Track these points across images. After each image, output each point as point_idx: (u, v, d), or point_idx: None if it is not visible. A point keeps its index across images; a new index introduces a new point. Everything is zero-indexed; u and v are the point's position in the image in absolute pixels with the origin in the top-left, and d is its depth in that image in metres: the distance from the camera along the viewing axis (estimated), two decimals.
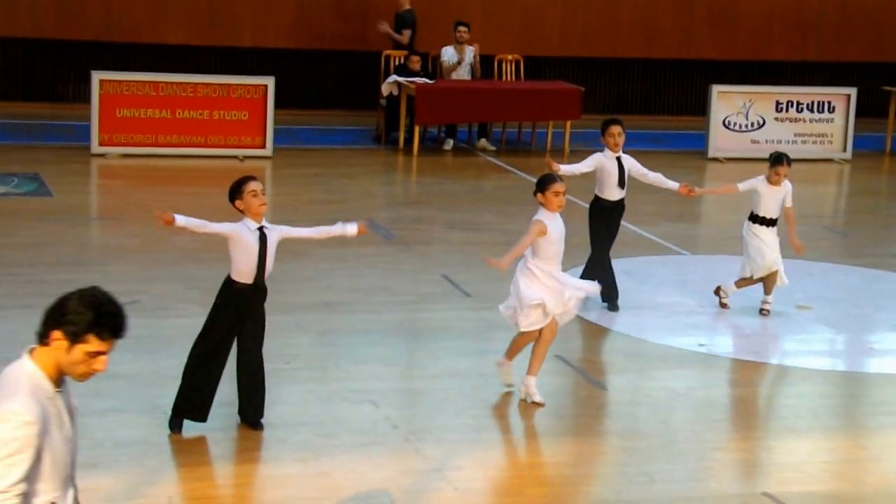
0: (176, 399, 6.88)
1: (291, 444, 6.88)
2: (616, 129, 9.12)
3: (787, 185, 9.36)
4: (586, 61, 17.89)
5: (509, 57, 16.65)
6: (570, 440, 7.21)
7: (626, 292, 9.67)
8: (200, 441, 6.80)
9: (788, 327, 9.42)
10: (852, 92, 16.17)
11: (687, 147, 16.52)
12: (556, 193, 7.36)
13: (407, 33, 15.70)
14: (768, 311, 9.45)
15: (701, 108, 16.70)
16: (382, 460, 6.75)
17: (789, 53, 18.65)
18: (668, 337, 9.00)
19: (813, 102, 16.12)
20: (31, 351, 3.71)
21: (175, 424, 6.85)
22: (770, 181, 9.32)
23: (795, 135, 16.14)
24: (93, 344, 3.66)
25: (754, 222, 9.40)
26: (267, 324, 8.69)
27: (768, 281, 9.42)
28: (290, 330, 8.71)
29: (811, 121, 16.15)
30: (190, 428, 6.94)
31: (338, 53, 17.08)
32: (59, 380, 3.71)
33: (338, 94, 17.15)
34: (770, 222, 9.36)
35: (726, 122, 15.94)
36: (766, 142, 16.04)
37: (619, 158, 9.12)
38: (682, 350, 8.77)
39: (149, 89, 13.95)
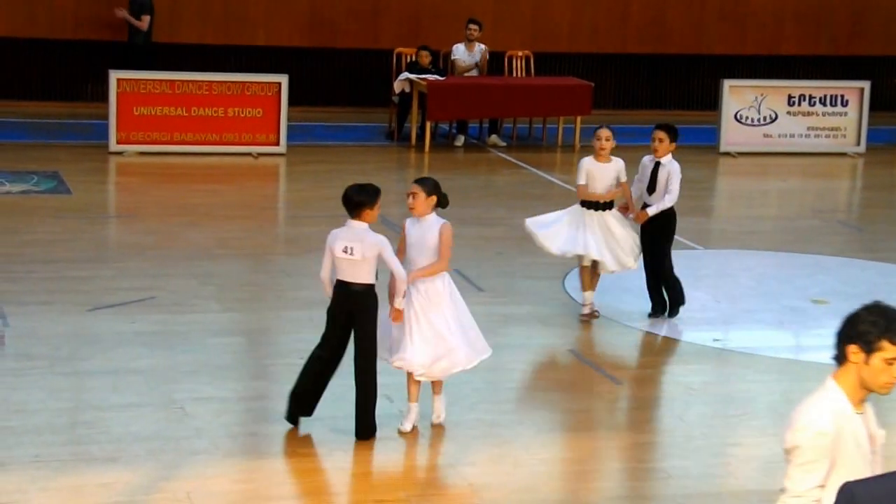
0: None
1: (306, 439, 6.85)
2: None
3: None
4: (596, 57, 17.82)
5: (519, 53, 16.60)
6: (584, 435, 7.16)
7: (641, 286, 9.61)
8: (217, 436, 6.77)
9: (804, 322, 9.34)
10: (866, 85, 16.06)
11: (699, 142, 16.43)
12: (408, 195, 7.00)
13: (146, 18, 15.04)
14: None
15: (712, 102, 16.62)
16: (397, 455, 6.71)
17: (801, 48, 18.55)
18: (683, 331, 8.94)
19: (826, 96, 16.03)
20: (834, 374, 3.89)
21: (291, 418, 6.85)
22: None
23: (808, 129, 16.05)
24: (888, 350, 3.76)
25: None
26: (282, 319, 8.71)
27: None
28: (305, 325, 8.67)
29: (824, 114, 16.06)
30: (206, 424, 6.92)
31: (350, 51, 17.05)
32: (861, 401, 3.87)
33: (350, 92, 17.11)
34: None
35: (738, 117, 15.86)
36: (779, 136, 15.95)
37: (658, 163, 8.78)
38: (697, 345, 8.72)
39: (165, 87, 13.94)
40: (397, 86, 15.42)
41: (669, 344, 8.72)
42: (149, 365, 7.74)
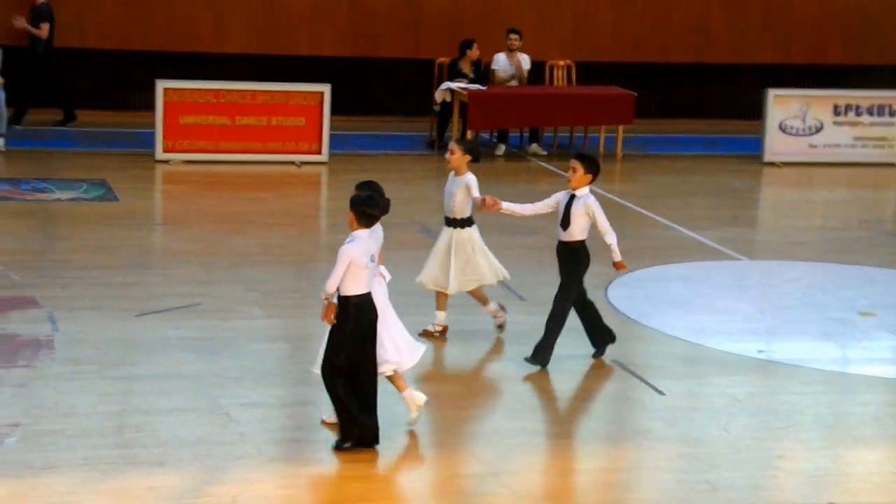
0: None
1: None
2: (571, 162, 8.11)
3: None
4: (638, 66, 17.83)
5: (560, 62, 16.64)
6: (627, 445, 7.18)
7: (683, 297, 9.64)
8: (261, 442, 6.86)
9: (851, 334, 9.31)
10: None
11: (742, 151, 16.42)
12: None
13: (45, 27, 14.96)
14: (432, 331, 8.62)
15: (756, 112, 16.59)
16: (437, 462, 6.77)
17: (848, 56, 18.47)
18: (727, 342, 8.94)
19: (873, 106, 15.96)
20: None
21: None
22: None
23: (855, 139, 15.98)
24: None
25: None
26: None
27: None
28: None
29: (871, 124, 15.98)
30: (251, 429, 7.01)
31: (392, 61, 17.17)
32: None
33: (392, 101, 17.23)
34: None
35: (783, 126, 15.82)
36: (825, 146, 15.89)
37: (572, 196, 8.03)
38: (741, 356, 8.71)
39: (210, 97, 14.15)
40: (438, 95, 15.52)
41: (713, 355, 8.72)
42: (194, 370, 7.85)
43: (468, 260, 8.49)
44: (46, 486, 6.17)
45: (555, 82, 16.55)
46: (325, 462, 6.74)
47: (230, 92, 14.24)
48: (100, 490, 6.17)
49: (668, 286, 10.27)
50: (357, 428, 6.73)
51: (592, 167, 7.99)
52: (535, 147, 15.84)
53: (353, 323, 6.62)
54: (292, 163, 14.28)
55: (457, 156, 8.38)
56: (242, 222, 11.74)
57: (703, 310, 9.64)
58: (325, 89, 14.47)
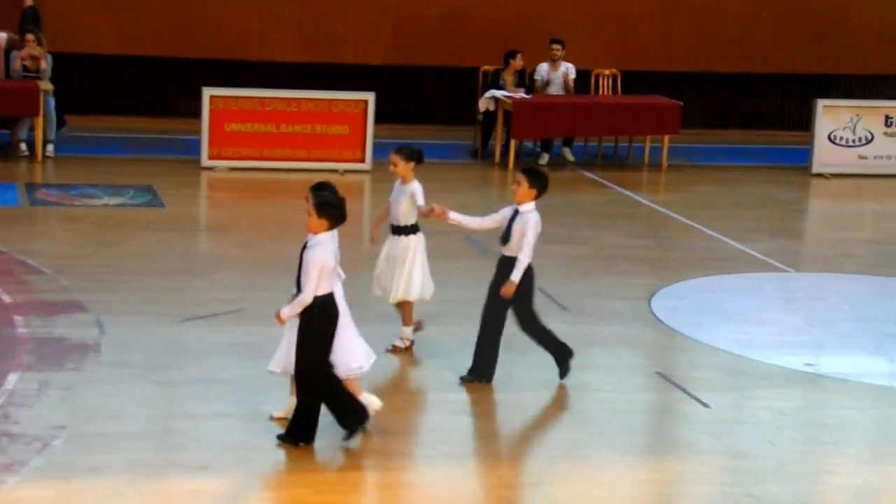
0: None
1: (390, 453, 6.96)
2: (516, 176, 7.84)
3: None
4: (685, 75, 17.78)
5: (606, 72, 16.64)
6: (671, 458, 7.16)
7: (730, 309, 9.60)
8: (304, 448, 6.91)
9: None
10: None
11: (790, 162, 16.33)
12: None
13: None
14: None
15: (804, 122, 16.49)
16: (480, 472, 6.79)
17: None
18: (773, 355, 8.89)
19: None
20: None
21: None
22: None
23: None
24: None
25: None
26: (366, 333, 8.83)
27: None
28: (389, 340, 8.82)
29: None
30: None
31: (436, 69, 17.24)
32: None
33: (436, 110, 17.30)
34: None
35: (832, 137, 15.72)
36: (875, 157, 15.77)
37: (516, 211, 7.80)
38: (788, 369, 8.66)
39: (255, 104, 14.30)
40: (482, 104, 15.57)
41: (760, 368, 8.67)
42: (237, 375, 7.93)
43: (401, 267, 8.31)
44: (92, 487, 6.26)
45: (600, 91, 16.54)
46: (367, 468, 6.78)
47: (275, 100, 14.37)
48: (144, 493, 6.25)
49: (714, 298, 10.23)
50: (314, 431, 6.76)
51: (537, 182, 7.73)
52: (566, 151, 15.87)
53: (318, 322, 6.66)
54: (336, 171, 14.37)
55: (400, 167, 8.24)
56: (286, 229, 11.82)
57: (749, 322, 9.59)
58: (370, 97, 14.57)
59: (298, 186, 13.96)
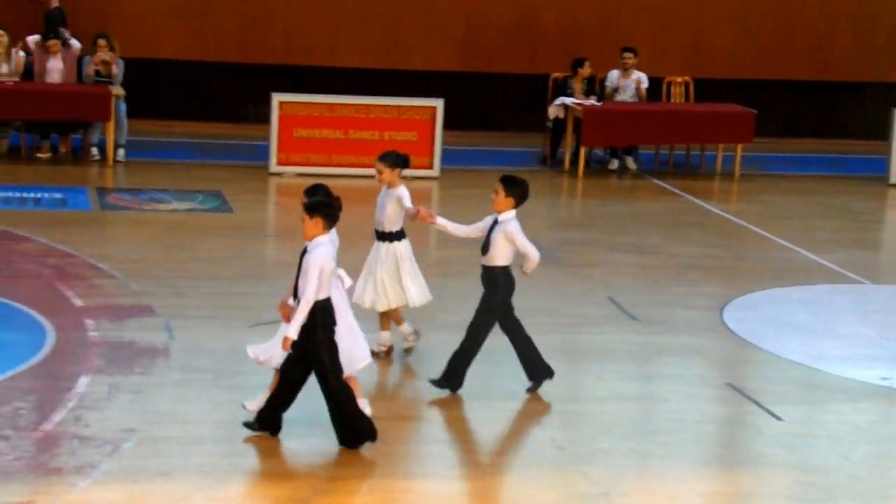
0: None
1: (457, 461, 6.99)
2: (495, 184, 7.76)
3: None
4: (758, 83, 17.63)
5: (678, 79, 16.54)
6: (742, 470, 7.11)
7: (803, 321, 9.49)
8: (376, 454, 6.96)
9: None
10: None
11: (867, 172, 16.11)
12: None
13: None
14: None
15: (882, 131, 16.25)
16: (549, 482, 6.78)
17: None
18: (848, 368, 8.78)
19: None
20: None
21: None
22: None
23: None
24: None
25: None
26: (433, 341, 8.90)
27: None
28: (454, 348, 8.84)
29: None
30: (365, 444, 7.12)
31: (505, 76, 17.26)
32: None
33: (505, 116, 17.32)
34: None
35: None
36: None
37: (495, 220, 7.74)
38: (863, 382, 8.55)
39: (324, 110, 14.44)
40: (552, 111, 15.56)
41: (834, 381, 8.57)
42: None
43: (391, 275, 8.26)
44: (161, 491, 6.36)
45: (672, 99, 16.45)
46: (431, 477, 6.80)
47: (344, 106, 14.49)
48: (212, 497, 6.34)
49: (787, 309, 10.13)
50: (370, 427, 6.81)
51: (515, 190, 7.67)
52: (628, 160, 15.81)
53: (322, 327, 6.68)
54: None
55: (385, 174, 8.23)
56: (353, 236, 11.83)
57: (823, 334, 9.48)
58: (438, 104, 14.63)
59: (366, 193, 14.06)
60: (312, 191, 7.18)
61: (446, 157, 14.80)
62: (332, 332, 6.74)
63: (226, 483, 6.49)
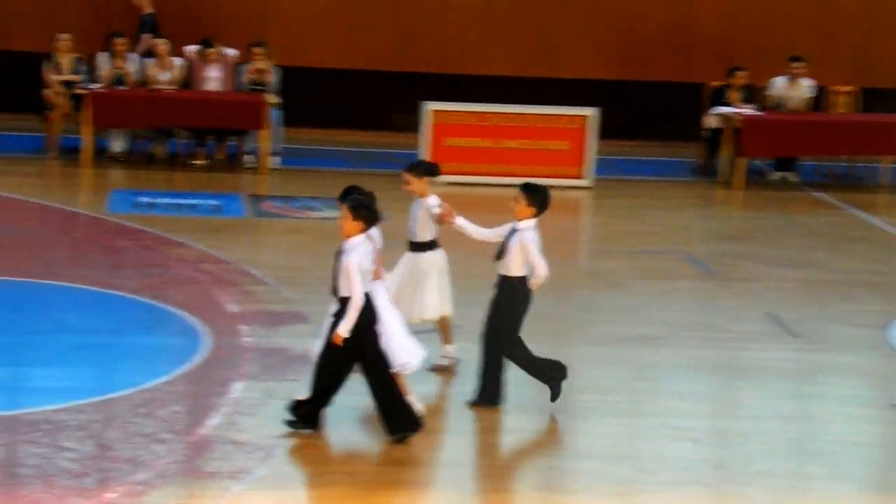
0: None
1: (609, 477, 6.94)
2: (515, 192, 7.74)
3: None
4: None
5: (844, 88, 16.09)
6: None
7: None
8: (522, 469, 6.96)
9: None
10: None
11: None
12: None
13: (147, 38, 14.93)
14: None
15: None
16: (706, 501, 6.69)
17: None
18: None
19: None
20: None
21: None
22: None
23: None
24: None
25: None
26: (585, 354, 8.86)
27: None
28: (607, 362, 8.80)
29: None
30: (505, 457, 7.12)
31: (660, 84, 17.08)
32: None
33: (659, 126, 17.13)
34: None
35: None
36: None
37: (514, 228, 7.71)
38: None
39: (475, 119, 14.52)
40: (708, 121, 15.33)
41: None
42: (445, 392, 8.04)
43: (420, 285, 8.15)
44: (313, 498, 6.48)
45: (837, 109, 16.02)
46: (583, 492, 6.76)
47: (495, 115, 14.55)
48: None
49: None
50: (412, 417, 6.92)
51: (536, 199, 7.62)
52: (789, 172, 15.43)
53: (364, 324, 6.83)
54: (555, 187, 14.38)
55: (414, 184, 8.18)
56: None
57: None
58: (591, 113, 14.57)
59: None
60: (348, 192, 7.33)
61: (599, 166, 14.71)
62: (372, 328, 6.93)
63: (377, 492, 6.56)
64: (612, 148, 15.85)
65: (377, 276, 7.17)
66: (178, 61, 14.54)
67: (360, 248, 6.90)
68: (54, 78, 14.22)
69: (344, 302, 6.89)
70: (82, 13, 15.90)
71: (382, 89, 16.84)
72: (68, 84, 14.18)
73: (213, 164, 14.67)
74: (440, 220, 7.95)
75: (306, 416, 7.05)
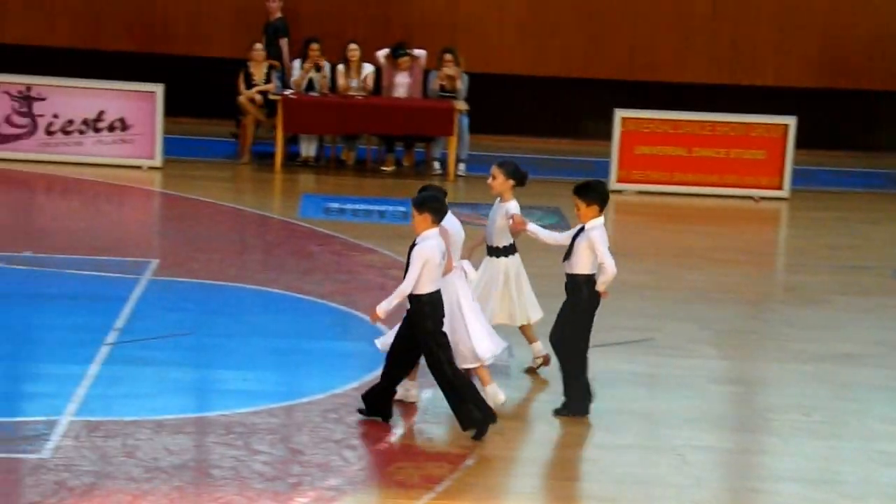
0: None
1: (811, 502, 6.69)
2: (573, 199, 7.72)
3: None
4: None
5: None
6: None
7: None
8: (719, 489, 6.78)
9: None
10: None
11: None
12: None
13: (285, 41, 14.86)
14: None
15: None
16: None
17: None
18: None
19: None
20: None
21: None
22: None
23: None
24: None
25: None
26: (784, 371, 8.60)
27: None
28: (808, 380, 8.52)
29: None
30: (707, 473, 6.94)
31: (862, 93, 16.47)
32: None
33: (864, 136, 16.52)
34: None
35: None
36: None
37: (581, 228, 7.69)
38: None
39: (667, 127, 14.28)
40: None
41: None
42: (647, 407, 7.91)
43: (499, 290, 8.14)
44: None
45: None
46: None
47: (688, 122, 14.27)
48: None
49: None
50: (478, 410, 7.11)
51: (592, 196, 7.61)
52: None
53: (432, 319, 7.04)
54: (750, 197, 14.06)
55: (499, 180, 8.11)
56: (696, 257, 11.71)
57: None
58: (791, 122, 14.15)
59: (711, 213, 13.86)
60: (421, 190, 7.53)
61: (797, 177, 14.29)
62: (441, 324, 7.11)
63: None
64: (812, 158, 15.38)
65: (448, 269, 7.34)
66: (367, 67, 14.76)
67: (430, 242, 7.09)
68: (248, 92, 14.63)
69: (414, 297, 7.07)
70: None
71: (573, 96, 16.75)
72: (261, 92, 14.58)
73: (401, 170, 14.83)
74: (514, 229, 8.03)
75: (376, 405, 7.31)
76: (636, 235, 12.82)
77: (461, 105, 14.60)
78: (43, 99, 13.90)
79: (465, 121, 14.74)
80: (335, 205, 13.02)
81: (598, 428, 7.58)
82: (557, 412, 7.63)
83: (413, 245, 7.12)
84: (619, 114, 14.29)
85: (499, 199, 8.24)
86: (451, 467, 6.88)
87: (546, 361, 8.30)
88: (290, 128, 14.38)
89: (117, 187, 13.16)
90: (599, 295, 7.68)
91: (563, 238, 7.85)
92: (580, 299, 7.62)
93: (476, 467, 6.93)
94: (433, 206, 7.13)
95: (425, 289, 7.04)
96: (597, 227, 7.60)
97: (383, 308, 7.06)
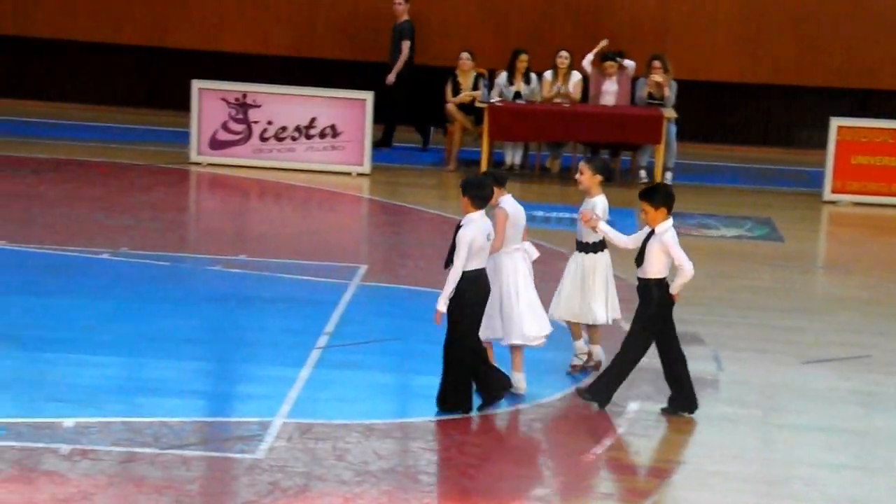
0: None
1: None
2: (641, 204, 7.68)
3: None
4: None
5: None
6: None
7: None
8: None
9: None
10: None
11: None
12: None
13: (407, 45, 15.19)
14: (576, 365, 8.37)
15: None
16: None
17: None
18: None
19: None
20: None
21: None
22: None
23: None
24: None
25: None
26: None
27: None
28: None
29: None
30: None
31: None
32: None
33: None
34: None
35: None
36: None
37: (651, 232, 7.63)
38: None
39: (887, 136, 13.85)
40: None
41: None
42: (863, 426, 7.70)
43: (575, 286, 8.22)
44: None
45: None
46: None
47: None
48: None
49: None
50: (468, 401, 7.44)
51: (659, 199, 7.58)
52: None
53: (467, 296, 7.31)
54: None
55: (586, 176, 8.24)
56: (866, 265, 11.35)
57: None
58: None
59: None
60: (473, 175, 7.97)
61: None
62: (481, 302, 7.40)
63: None
64: None
65: (496, 248, 7.62)
66: (575, 76, 14.77)
67: (475, 224, 7.37)
68: (454, 100, 14.84)
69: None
70: (484, 31, 16.49)
71: (786, 104, 16.37)
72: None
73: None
74: (585, 220, 8.06)
75: (450, 399, 7.45)
76: (851, 248, 12.47)
77: (669, 113, 14.46)
78: (258, 106, 14.44)
79: (673, 129, 14.59)
80: (540, 213, 13.06)
81: (813, 446, 7.41)
82: (581, 393, 7.84)
83: (458, 227, 7.43)
84: (835, 122, 13.90)
85: (586, 196, 8.36)
86: (660, 482, 6.83)
87: (591, 365, 8.38)
88: (496, 135, 14.52)
89: (327, 193, 13.55)
90: (672, 298, 7.65)
91: (630, 241, 7.90)
92: (650, 303, 7.63)
93: (685, 483, 6.87)
94: (472, 191, 7.43)
95: (467, 266, 7.34)
96: (668, 230, 7.62)
97: (441, 304, 7.32)
